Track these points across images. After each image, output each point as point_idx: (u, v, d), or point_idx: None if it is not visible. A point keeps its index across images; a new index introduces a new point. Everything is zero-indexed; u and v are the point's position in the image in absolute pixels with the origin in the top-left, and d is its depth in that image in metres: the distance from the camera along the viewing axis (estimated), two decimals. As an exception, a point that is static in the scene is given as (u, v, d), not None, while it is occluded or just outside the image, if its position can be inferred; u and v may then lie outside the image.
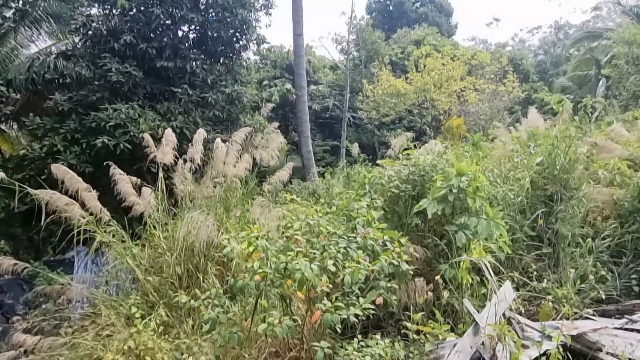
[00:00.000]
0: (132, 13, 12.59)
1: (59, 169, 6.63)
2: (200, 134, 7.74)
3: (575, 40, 28.62)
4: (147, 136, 7.58)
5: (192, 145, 7.59)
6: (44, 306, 7.14)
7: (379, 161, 6.88)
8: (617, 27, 23.09)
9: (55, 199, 6.01)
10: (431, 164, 5.93)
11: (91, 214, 6.23)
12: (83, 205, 6.33)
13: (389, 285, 4.45)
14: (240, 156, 7.69)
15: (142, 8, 12.62)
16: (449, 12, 38.54)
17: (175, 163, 7.34)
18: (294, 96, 19.77)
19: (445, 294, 4.66)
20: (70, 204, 6.06)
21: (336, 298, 4.17)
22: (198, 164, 7.39)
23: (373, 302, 4.27)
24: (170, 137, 7.49)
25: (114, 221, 6.35)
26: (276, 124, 9.06)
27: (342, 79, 25.15)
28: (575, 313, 4.97)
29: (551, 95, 27.13)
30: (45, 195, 6.04)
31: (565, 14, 78.24)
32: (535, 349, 3.97)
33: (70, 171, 6.70)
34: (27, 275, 9.58)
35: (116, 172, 6.89)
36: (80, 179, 6.61)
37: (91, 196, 6.36)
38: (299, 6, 18.42)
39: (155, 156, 7.27)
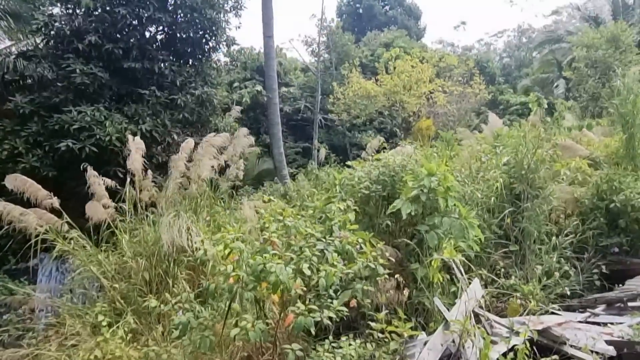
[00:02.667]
0: (96, 13, 12.22)
1: (17, 180, 6.35)
2: (189, 143, 7.69)
3: (537, 44, 29.59)
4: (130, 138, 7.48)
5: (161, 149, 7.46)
6: (5, 316, 6.84)
7: (349, 162, 6.95)
8: (577, 30, 23.98)
9: (8, 210, 5.78)
10: (401, 164, 6.00)
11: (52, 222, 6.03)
12: (52, 211, 6.14)
13: (365, 288, 4.46)
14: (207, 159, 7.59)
15: (108, 8, 12.27)
16: (417, 15, 39.16)
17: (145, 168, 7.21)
18: (265, 98, 19.67)
19: (406, 292, 4.74)
20: (24, 213, 5.83)
21: (309, 301, 4.15)
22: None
23: (347, 305, 4.28)
24: (139, 144, 7.39)
25: (77, 228, 6.15)
26: (245, 130, 9.02)
27: (313, 81, 25.19)
28: (541, 308, 5.12)
29: (516, 96, 28.05)
30: None
31: (528, 19, 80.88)
32: (504, 344, 4.06)
33: (29, 180, 6.42)
34: (-14, 285, 9.17)
35: (93, 174, 6.81)
36: (39, 186, 6.36)
37: (50, 205, 6.13)
38: (268, 8, 18.35)
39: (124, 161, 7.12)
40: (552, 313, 5.23)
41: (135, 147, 7.27)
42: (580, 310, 5.64)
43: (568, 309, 5.64)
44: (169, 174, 7.41)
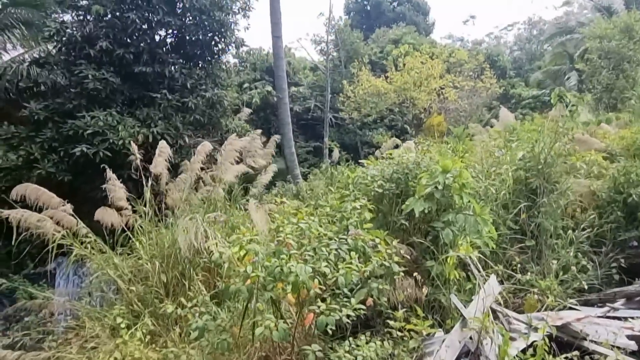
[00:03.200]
0: (107, 19, 12.37)
1: (28, 188, 6.35)
2: (205, 146, 7.74)
3: (548, 36, 29.23)
4: (134, 145, 7.58)
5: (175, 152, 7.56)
6: (26, 319, 6.96)
7: (361, 161, 6.95)
8: (588, 21, 23.61)
9: (26, 217, 5.85)
10: (415, 162, 5.97)
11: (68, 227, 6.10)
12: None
13: (381, 287, 4.45)
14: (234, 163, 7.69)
15: (118, 13, 12.42)
16: (425, 10, 38.95)
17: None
18: (275, 98, 19.72)
19: (425, 290, 4.71)
20: (42, 219, 5.89)
21: (325, 300, 4.15)
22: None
23: (362, 303, 4.27)
24: (163, 148, 7.49)
25: (92, 233, 6.22)
26: (259, 131, 9.15)
27: (323, 79, 25.20)
28: (559, 304, 5.06)
29: (528, 89, 27.74)
30: (16, 214, 5.87)
31: (538, 11, 79.97)
32: (523, 340, 4.02)
33: (41, 188, 6.44)
34: (6, 289, 9.33)
35: (112, 176, 6.92)
36: (52, 194, 6.39)
37: (65, 210, 6.21)
38: (276, 8, 18.38)
39: (139, 164, 7.19)
40: (571, 308, 5.16)
41: (159, 151, 7.37)
42: (599, 305, 5.54)
43: (586, 303, 5.56)
44: (184, 177, 7.47)
